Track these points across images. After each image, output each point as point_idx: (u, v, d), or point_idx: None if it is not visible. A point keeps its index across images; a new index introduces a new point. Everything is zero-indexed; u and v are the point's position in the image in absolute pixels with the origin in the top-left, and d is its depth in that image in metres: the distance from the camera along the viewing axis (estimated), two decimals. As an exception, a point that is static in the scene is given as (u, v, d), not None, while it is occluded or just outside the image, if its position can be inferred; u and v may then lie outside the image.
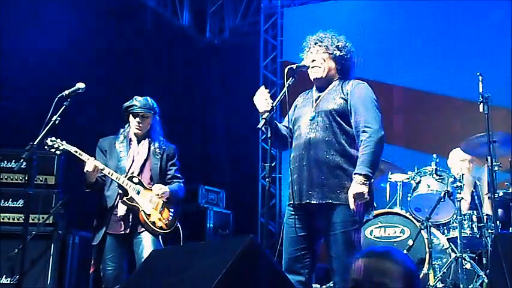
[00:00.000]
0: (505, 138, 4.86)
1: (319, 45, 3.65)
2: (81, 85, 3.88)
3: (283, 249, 3.51)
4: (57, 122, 3.67)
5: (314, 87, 3.73)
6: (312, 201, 3.40)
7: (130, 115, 4.35)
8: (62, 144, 4.10)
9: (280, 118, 5.17)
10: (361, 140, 3.41)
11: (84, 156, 4.12)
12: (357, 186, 3.30)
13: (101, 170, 4.12)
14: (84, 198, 4.86)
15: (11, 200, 4.89)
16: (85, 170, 4.09)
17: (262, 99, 3.46)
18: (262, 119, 3.36)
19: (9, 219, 4.85)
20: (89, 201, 4.93)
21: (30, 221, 4.65)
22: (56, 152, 4.10)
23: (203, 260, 2.64)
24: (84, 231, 5.34)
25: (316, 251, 3.54)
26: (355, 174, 3.34)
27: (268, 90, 3.52)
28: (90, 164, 4.09)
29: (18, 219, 4.80)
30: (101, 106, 6.02)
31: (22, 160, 3.58)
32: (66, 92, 3.80)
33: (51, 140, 4.06)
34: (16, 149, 4.52)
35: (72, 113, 3.86)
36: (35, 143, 3.58)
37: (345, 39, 3.70)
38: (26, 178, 3.78)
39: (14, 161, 4.85)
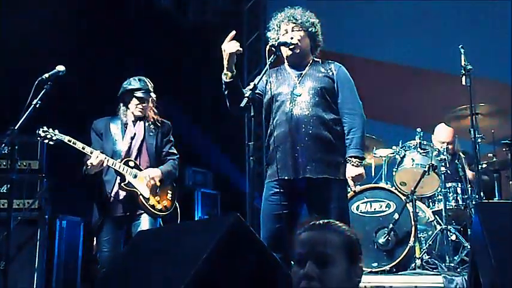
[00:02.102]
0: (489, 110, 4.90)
1: (294, 22, 3.67)
2: (61, 68, 3.83)
3: (262, 226, 3.52)
4: (37, 106, 3.63)
5: (286, 65, 3.76)
6: (310, 176, 3.45)
7: (134, 98, 4.30)
8: (55, 134, 3.99)
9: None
10: (347, 123, 3.57)
11: (87, 149, 4.03)
12: (355, 169, 3.49)
13: (105, 160, 4.05)
14: (71, 182, 4.84)
15: (-6, 186, 4.85)
16: (89, 163, 4.01)
17: (232, 42, 3.57)
18: (245, 97, 3.34)
19: (-6, 205, 4.81)
20: (75, 185, 4.91)
21: (16, 206, 4.65)
22: (49, 142, 4.00)
23: (189, 239, 2.63)
24: (72, 216, 5.33)
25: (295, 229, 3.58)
26: (350, 157, 3.50)
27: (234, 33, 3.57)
28: (96, 158, 4.00)
29: (3, 205, 4.75)
30: (84, 88, 5.96)
31: (3, 145, 3.54)
32: (46, 75, 3.75)
33: (43, 131, 3.97)
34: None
35: (56, 96, 3.81)
36: (15, 127, 3.55)
37: (314, 15, 3.75)
38: (9, 163, 3.75)
39: (-5, 146, 4.80)
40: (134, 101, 4.30)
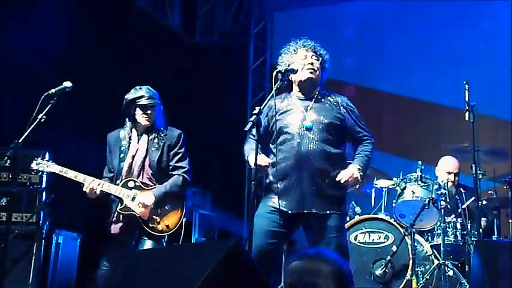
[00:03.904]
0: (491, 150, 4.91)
1: (313, 51, 3.71)
2: (67, 84, 3.84)
3: (254, 241, 3.37)
4: (42, 121, 3.65)
5: (295, 93, 3.74)
6: (317, 211, 3.48)
7: (138, 108, 4.15)
8: (48, 166, 4.04)
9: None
10: (364, 145, 3.68)
11: (79, 177, 4.03)
12: (356, 171, 3.52)
13: (98, 186, 4.04)
14: (70, 198, 4.83)
15: (-6, 198, 4.83)
16: (83, 190, 4.03)
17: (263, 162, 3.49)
18: (250, 121, 3.35)
19: (-8, 217, 4.79)
20: (74, 201, 4.90)
21: (14, 219, 4.63)
22: (43, 175, 4.13)
23: (186, 262, 2.62)
24: (69, 231, 5.31)
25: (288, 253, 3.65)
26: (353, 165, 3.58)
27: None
28: (87, 187, 4.01)
29: (1, 218, 4.73)
30: (88, 105, 5.99)
31: (6, 158, 3.55)
32: (53, 90, 3.77)
33: (36, 163, 4.02)
34: (0, 147, 4.48)
35: (59, 111, 3.83)
36: (19, 141, 3.56)
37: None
38: (10, 176, 3.75)
39: (-2, 158, 4.80)
40: (138, 111, 4.16)
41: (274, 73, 3.57)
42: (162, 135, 4.21)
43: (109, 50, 6.62)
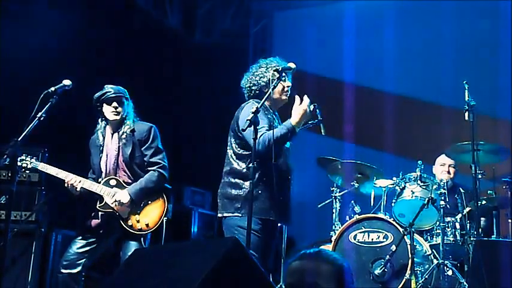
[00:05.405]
0: (490, 148, 4.91)
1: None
2: (67, 82, 3.85)
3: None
4: (42, 119, 3.66)
5: (271, 109, 3.81)
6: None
7: (104, 104, 4.19)
8: (31, 162, 4.12)
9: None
10: None
11: (61, 174, 4.11)
12: None
13: (79, 183, 4.10)
14: (69, 196, 4.84)
15: (-7, 196, 4.83)
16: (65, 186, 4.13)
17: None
18: (247, 120, 3.36)
19: (-9, 215, 4.79)
20: (73, 200, 4.91)
21: (13, 218, 4.64)
22: (26, 171, 4.30)
23: (186, 260, 2.63)
24: (68, 230, 5.31)
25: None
26: None
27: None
28: (68, 183, 4.10)
29: (0, 216, 4.74)
30: (86, 105, 5.98)
31: (5, 156, 3.56)
32: (52, 88, 3.79)
33: (20, 160, 4.07)
34: (-1, 145, 4.48)
35: (58, 111, 3.84)
36: (19, 139, 3.56)
37: None
38: (9, 175, 3.76)
39: (-3, 157, 4.81)
40: (105, 107, 4.20)
41: (273, 71, 3.63)
42: (130, 130, 4.22)
43: (108, 49, 6.61)
